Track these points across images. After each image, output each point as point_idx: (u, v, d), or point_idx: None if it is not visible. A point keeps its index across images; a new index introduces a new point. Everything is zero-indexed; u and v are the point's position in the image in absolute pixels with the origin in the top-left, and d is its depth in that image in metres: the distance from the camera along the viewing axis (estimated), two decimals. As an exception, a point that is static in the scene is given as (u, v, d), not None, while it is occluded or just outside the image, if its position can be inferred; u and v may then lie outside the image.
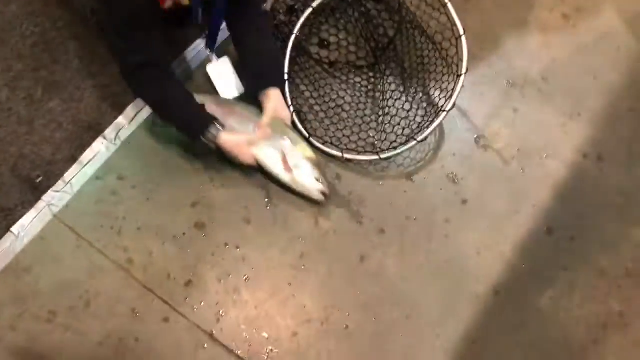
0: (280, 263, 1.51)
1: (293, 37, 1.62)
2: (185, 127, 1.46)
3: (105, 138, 1.58)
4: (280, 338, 1.43)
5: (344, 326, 1.45)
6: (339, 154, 1.60)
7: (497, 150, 1.67)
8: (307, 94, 1.70)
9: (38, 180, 1.54)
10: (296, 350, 1.42)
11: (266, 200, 1.57)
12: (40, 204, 1.52)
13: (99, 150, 1.57)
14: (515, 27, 1.87)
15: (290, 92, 1.62)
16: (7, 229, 1.49)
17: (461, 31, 1.50)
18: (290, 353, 1.42)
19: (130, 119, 1.60)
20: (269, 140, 1.50)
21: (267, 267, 1.50)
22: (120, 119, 1.60)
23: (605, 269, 1.55)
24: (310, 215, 1.57)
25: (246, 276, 1.49)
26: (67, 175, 1.54)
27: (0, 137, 1.56)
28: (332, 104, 1.69)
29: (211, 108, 1.49)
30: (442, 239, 1.56)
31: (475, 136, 1.69)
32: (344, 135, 1.66)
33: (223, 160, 1.54)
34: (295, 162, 1.51)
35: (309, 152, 1.55)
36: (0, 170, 1.54)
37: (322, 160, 1.61)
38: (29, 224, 1.50)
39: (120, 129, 1.59)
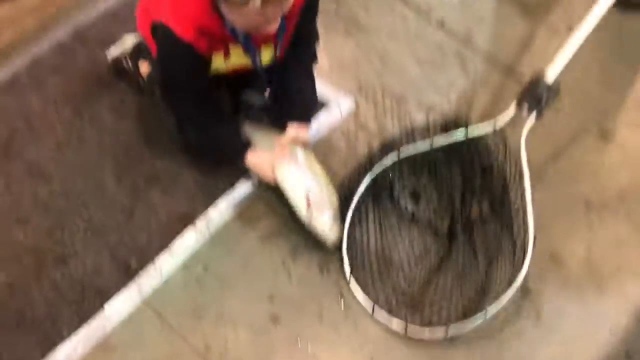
0: (350, 364, 1.57)
1: (368, 177, 1.67)
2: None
3: (195, 229, 1.74)
4: None
5: None
6: (368, 307, 1.61)
7: (572, 268, 1.70)
8: (366, 236, 1.71)
9: (132, 265, 1.70)
10: None
11: (340, 299, 1.66)
12: (132, 287, 1.67)
13: (189, 241, 1.73)
14: (591, 140, 1.93)
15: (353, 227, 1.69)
16: (100, 307, 1.65)
17: (530, 245, 1.50)
18: None
19: (221, 213, 1.76)
20: (297, 170, 1.64)
21: (336, 367, 1.56)
22: (211, 212, 1.77)
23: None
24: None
25: (316, 374, 1.56)
26: (158, 262, 1.70)
27: (104, 222, 1.76)
28: (387, 252, 1.69)
29: None
30: (514, 354, 1.57)
31: (549, 252, 1.72)
32: (384, 286, 1.64)
33: (301, 255, 1.67)
34: (318, 204, 1.61)
35: (335, 200, 1.65)
36: (101, 253, 1.72)
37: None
38: (120, 305, 1.65)
39: (210, 222, 1.75)
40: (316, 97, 1.79)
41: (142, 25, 1.67)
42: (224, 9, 1.34)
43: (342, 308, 1.65)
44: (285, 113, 1.71)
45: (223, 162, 1.77)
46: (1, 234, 1.77)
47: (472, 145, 1.65)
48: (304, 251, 1.72)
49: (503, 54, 2.07)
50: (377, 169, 1.70)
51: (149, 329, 1.62)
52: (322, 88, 2.01)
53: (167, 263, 1.70)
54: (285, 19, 1.45)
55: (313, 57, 1.76)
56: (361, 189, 1.69)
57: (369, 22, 2.14)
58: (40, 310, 1.64)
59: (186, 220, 1.77)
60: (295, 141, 1.67)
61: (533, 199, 1.57)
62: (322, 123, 1.94)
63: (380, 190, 1.73)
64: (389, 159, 1.68)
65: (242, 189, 1.83)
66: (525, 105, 1.34)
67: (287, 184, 1.65)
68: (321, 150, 1.89)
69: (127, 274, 1.69)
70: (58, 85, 2.04)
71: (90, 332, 1.61)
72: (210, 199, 1.80)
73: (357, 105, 1.99)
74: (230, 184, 1.82)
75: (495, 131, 1.59)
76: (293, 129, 1.67)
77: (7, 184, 1.87)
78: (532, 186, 1.58)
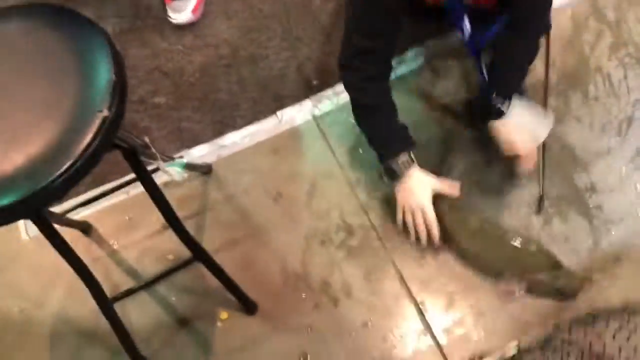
0: None
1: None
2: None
3: (383, 68, 1.80)
4: None
5: None
6: None
7: None
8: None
9: (314, 83, 1.83)
10: None
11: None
12: (307, 103, 1.80)
13: (373, 76, 1.79)
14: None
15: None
16: (274, 112, 1.81)
17: None
18: None
19: (413, 59, 1.80)
20: None
21: None
22: (404, 56, 1.81)
23: None
24: None
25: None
26: (339, 88, 1.80)
27: (300, 36, 1.89)
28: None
29: None
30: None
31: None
32: None
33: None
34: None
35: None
36: (288, 63, 1.86)
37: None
38: (292, 115, 1.79)
39: (400, 64, 1.80)
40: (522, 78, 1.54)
41: None
42: None
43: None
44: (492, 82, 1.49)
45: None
46: (208, 22, 1.98)
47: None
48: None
49: None
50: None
51: (311, 145, 1.76)
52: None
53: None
54: None
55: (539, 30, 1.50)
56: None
57: None
58: (222, 97, 1.84)
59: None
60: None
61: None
62: None
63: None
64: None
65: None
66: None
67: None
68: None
69: (307, 89, 1.82)
70: None
71: (261, 129, 1.78)
72: (408, 41, 1.82)
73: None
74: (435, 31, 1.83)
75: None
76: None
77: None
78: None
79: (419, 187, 1.44)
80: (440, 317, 1.48)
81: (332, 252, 1.60)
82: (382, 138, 1.50)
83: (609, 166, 1.58)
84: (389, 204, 1.61)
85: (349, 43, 1.45)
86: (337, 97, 1.79)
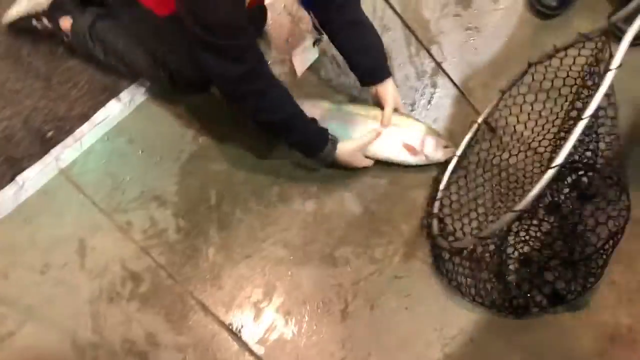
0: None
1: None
2: (301, 146, 1.54)
3: (119, 100, 1.72)
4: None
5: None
6: None
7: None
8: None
9: (49, 135, 1.67)
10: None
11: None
12: (48, 158, 1.65)
13: (112, 112, 1.70)
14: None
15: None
16: (12, 178, 1.62)
17: None
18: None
19: (147, 86, 1.74)
20: (386, 137, 1.63)
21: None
22: (137, 85, 1.74)
23: (616, 280, 1.60)
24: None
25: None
26: (78, 133, 1.68)
27: (17, 89, 1.72)
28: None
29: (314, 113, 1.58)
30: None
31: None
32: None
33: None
34: (417, 142, 1.63)
35: (423, 127, 1.66)
36: (12, 121, 1.68)
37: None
38: (34, 176, 1.62)
39: (135, 94, 1.73)
40: (383, 48, 1.64)
41: None
42: None
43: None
44: (361, 72, 1.64)
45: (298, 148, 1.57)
46: None
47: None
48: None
49: None
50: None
51: (67, 202, 1.62)
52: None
53: (87, 134, 1.68)
54: None
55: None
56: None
57: None
58: (-56, 178, 1.60)
59: (109, 90, 1.74)
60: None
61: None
62: None
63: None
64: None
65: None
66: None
67: (388, 155, 1.66)
68: None
69: (43, 143, 1.66)
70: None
71: (1, 201, 1.59)
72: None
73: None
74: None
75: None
76: (389, 106, 1.63)
77: None
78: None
79: (353, 158, 1.59)
80: (252, 330, 1.48)
81: (124, 306, 1.50)
82: (302, 145, 1.53)
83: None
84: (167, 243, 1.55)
85: (216, 67, 1.32)
86: (79, 143, 1.66)
